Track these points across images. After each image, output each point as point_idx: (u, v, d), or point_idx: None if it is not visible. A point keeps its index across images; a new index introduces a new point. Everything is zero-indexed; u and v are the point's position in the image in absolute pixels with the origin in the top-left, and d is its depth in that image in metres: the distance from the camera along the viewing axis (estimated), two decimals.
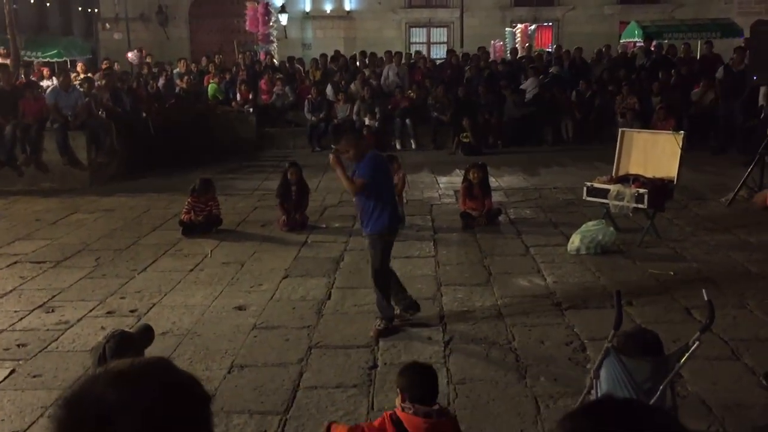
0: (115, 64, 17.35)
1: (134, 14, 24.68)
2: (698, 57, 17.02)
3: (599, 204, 8.15)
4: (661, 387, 3.14)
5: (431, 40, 26.48)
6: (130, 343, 3.15)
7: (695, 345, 3.18)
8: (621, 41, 21.19)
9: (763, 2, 22.90)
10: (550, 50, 20.98)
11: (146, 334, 3.40)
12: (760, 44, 9.48)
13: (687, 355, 3.16)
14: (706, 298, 3.34)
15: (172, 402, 1.13)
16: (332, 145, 5.51)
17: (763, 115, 10.00)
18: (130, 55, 20.01)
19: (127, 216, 9.55)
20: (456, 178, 11.53)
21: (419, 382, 3.23)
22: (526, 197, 10.21)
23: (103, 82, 13.14)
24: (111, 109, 12.74)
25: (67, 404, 1.13)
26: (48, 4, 31.67)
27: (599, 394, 3.26)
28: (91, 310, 6.01)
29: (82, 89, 12.41)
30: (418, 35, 26.70)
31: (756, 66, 9.76)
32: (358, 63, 17.83)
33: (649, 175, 7.78)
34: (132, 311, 5.97)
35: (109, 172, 12.13)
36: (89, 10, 35.20)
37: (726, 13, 22.89)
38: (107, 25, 25.93)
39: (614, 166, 8.26)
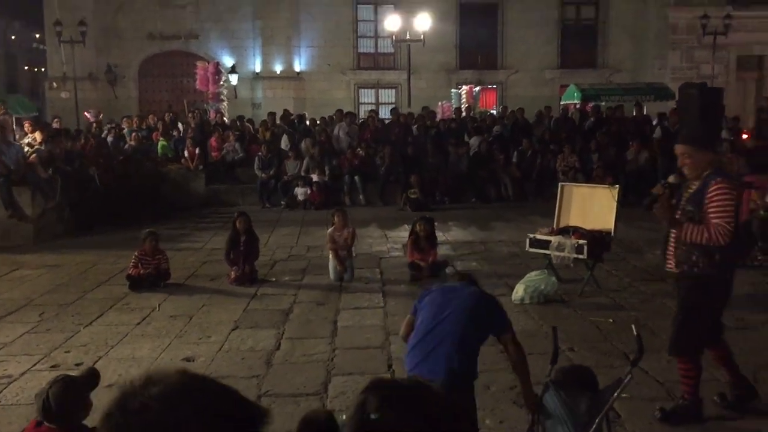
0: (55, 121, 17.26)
1: (82, 73, 24.66)
2: (632, 118, 17.88)
3: (542, 255, 8.44)
4: (597, 419, 3.30)
5: (380, 101, 27.12)
6: (74, 387, 3.19)
7: (628, 378, 3.37)
8: (561, 103, 22.09)
9: (694, 68, 24.33)
10: (494, 111, 21.76)
11: (91, 378, 3.40)
12: (686, 105, 10.09)
13: (621, 387, 3.35)
14: (635, 333, 3.55)
15: None
16: None
17: None
18: (87, 114, 19.98)
19: (73, 272, 9.43)
20: (404, 233, 11.73)
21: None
22: (473, 250, 10.47)
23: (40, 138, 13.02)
24: (58, 165, 12.65)
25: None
26: None
27: (542, 428, 3.40)
28: (35, 364, 5.92)
29: (28, 147, 12.32)
30: (367, 96, 27.33)
31: (684, 125, 10.36)
32: (308, 122, 18.15)
33: (588, 227, 8.12)
34: (77, 365, 5.89)
35: (55, 229, 11.97)
36: (35, 69, 35.10)
37: (660, 78, 24.20)
38: (54, 84, 25.82)
39: (555, 219, 8.60)
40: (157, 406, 1.11)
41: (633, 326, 3.70)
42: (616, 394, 3.34)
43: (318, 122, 17.95)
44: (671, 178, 4.87)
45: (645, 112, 18.61)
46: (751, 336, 6.30)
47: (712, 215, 4.31)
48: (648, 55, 26.21)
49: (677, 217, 4.53)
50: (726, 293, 4.67)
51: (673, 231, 4.62)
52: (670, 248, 4.69)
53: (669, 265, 4.77)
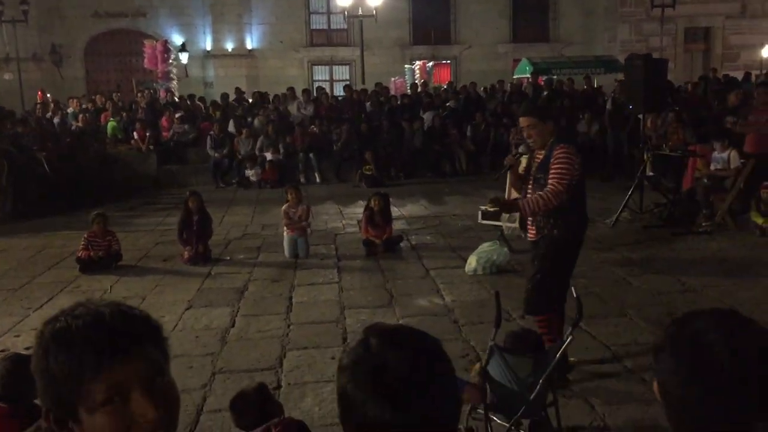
0: None
1: (26, 54, 23.96)
2: (582, 91, 18.13)
3: (493, 227, 8.55)
4: (541, 380, 3.40)
5: (334, 78, 26.97)
6: (24, 365, 3.13)
7: (569, 339, 3.47)
8: (514, 77, 22.28)
9: (642, 41, 24.74)
10: (446, 87, 21.82)
11: None
12: (633, 76, 10.28)
13: (563, 348, 3.45)
14: (574, 295, 3.65)
15: None
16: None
17: (642, 142, 10.79)
18: (40, 96, 19.43)
19: (21, 256, 9.23)
20: (359, 209, 11.75)
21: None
22: (427, 224, 10.55)
23: None
24: (4, 148, 12.32)
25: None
26: None
27: (488, 390, 3.49)
28: None
29: None
30: (321, 73, 27.15)
31: (631, 96, 10.56)
32: (261, 99, 17.97)
33: None
34: (27, 348, 5.79)
35: (1, 213, 11.68)
36: None
37: (609, 51, 24.58)
38: None
39: (506, 191, 8.70)
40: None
41: (572, 288, 3.80)
42: (559, 353, 3.44)
43: (271, 100, 17.75)
44: (521, 149, 5.06)
45: (595, 85, 18.86)
46: (692, 299, 6.53)
47: (549, 179, 4.50)
48: (598, 28, 26.56)
49: (529, 185, 4.73)
50: (575, 255, 4.89)
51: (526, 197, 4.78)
52: (529, 217, 4.82)
53: (530, 235, 4.94)
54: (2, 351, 5.78)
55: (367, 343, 1.28)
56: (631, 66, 10.32)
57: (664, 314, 6.11)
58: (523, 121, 4.75)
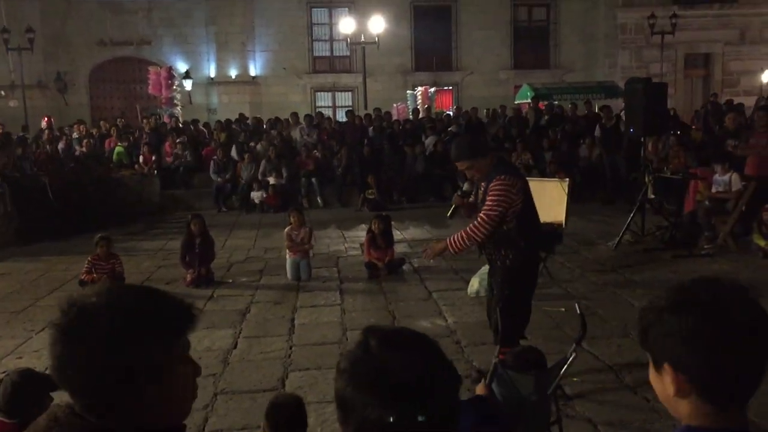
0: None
1: (31, 81, 24.17)
2: (583, 116, 18.24)
3: None
4: (544, 396, 3.39)
5: (336, 104, 27.15)
6: (32, 380, 3.13)
7: (572, 356, 3.46)
8: (515, 102, 22.43)
9: (643, 67, 24.90)
10: (449, 112, 21.97)
11: None
12: (632, 99, 10.35)
13: (566, 364, 3.44)
14: (578, 312, 3.65)
15: None
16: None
17: (643, 166, 10.83)
18: (43, 123, 19.60)
19: (24, 279, 9.25)
20: (362, 233, 11.77)
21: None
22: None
23: None
24: (6, 173, 12.40)
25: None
26: None
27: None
28: None
29: None
30: (324, 99, 27.34)
31: (630, 119, 10.62)
32: (265, 125, 18.09)
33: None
34: (46, 369, 5.80)
35: (5, 237, 11.72)
36: None
37: (610, 77, 24.78)
38: (2, 92, 25.24)
39: None
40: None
41: (576, 305, 3.81)
42: (562, 371, 3.43)
43: (267, 124, 17.86)
44: (465, 186, 5.20)
45: (596, 110, 18.95)
46: None
47: (485, 205, 4.57)
48: (599, 54, 26.78)
49: (479, 216, 4.71)
50: (534, 277, 5.01)
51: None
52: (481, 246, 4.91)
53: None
54: (3, 372, 5.78)
55: (366, 344, 1.28)
56: (631, 90, 10.40)
57: None
58: (459, 165, 4.85)
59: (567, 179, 8.72)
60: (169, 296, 1.42)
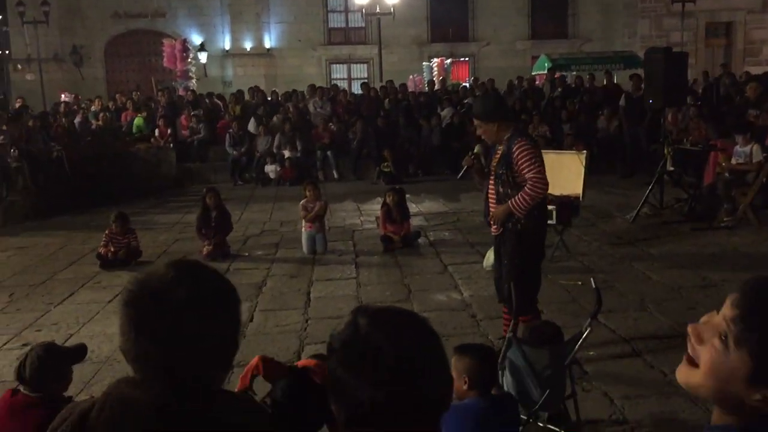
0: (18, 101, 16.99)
1: (47, 55, 24.22)
2: (602, 87, 17.99)
3: None
4: (559, 371, 3.37)
5: (352, 76, 26.99)
6: (54, 354, 3.16)
7: (587, 330, 3.44)
8: (532, 74, 22.16)
9: (663, 36, 24.48)
10: (466, 84, 21.76)
11: (78, 351, 3.37)
12: (653, 70, 10.16)
13: (582, 339, 3.41)
14: (593, 286, 3.62)
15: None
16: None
17: (662, 137, 10.67)
18: (63, 96, 19.67)
19: (42, 253, 9.34)
20: (377, 206, 11.74)
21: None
22: (445, 220, 10.53)
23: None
24: (24, 148, 12.46)
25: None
26: None
27: (505, 382, 3.47)
28: (5, 343, 5.89)
29: None
30: (339, 71, 27.18)
31: (651, 90, 10.44)
32: (280, 97, 18.01)
33: (556, 192, 8.15)
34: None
35: (23, 211, 11.82)
36: None
37: (629, 47, 24.39)
38: (19, 66, 25.35)
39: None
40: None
41: (592, 279, 3.77)
42: (577, 345, 3.41)
43: (288, 97, 17.79)
44: (477, 148, 5.37)
45: (615, 81, 18.71)
46: (713, 294, 6.44)
47: (525, 171, 4.61)
48: (618, 24, 26.34)
49: (491, 181, 4.87)
50: (542, 244, 5.03)
51: (491, 196, 4.90)
52: (491, 210, 4.93)
53: (492, 230, 5.02)
54: (24, 345, 5.85)
55: (355, 324, 1.27)
56: (650, 59, 10.20)
57: (684, 309, 6.05)
58: (474, 121, 5.07)
59: (585, 151, 8.60)
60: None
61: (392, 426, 1.22)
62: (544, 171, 4.64)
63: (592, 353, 5.03)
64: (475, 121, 4.89)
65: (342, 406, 1.25)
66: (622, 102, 14.93)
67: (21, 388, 3.16)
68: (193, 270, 1.42)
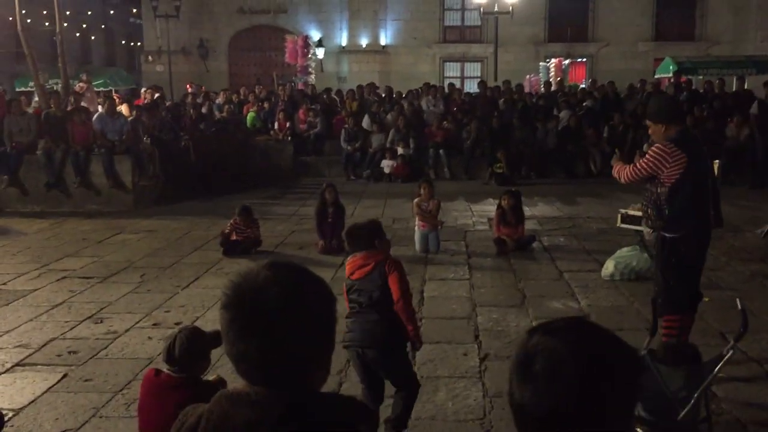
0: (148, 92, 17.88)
1: (176, 47, 25.49)
2: (732, 93, 17.05)
3: (633, 232, 8.19)
4: (695, 395, 3.23)
5: (465, 75, 26.85)
6: (200, 338, 3.32)
7: (729, 353, 3.27)
8: (655, 77, 21.30)
9: None
10: (583, 85, 21.18)
11: (217, 337, 3.53)
12: None
13: (722, 362, 3.26)
14: (739, 307, 3.44)
15: None
16: None
17: None
18: (189, 87, 20.66)
19: (170, 237, 9.85)
20: (489, 207, 11.67)
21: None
22: (560, 226, 10.31)
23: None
24: (155, 136, 13.18)
25: None
26: (93, 38, 32.92)
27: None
28: (137, 322, 6.25)
29: (129, 117, 12.91)
30: (452, 69, 27.10)
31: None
32: (394, 94, 18.16)
33: None
34: (177, 323, 6.16)
35: (152, 196, 12.52)
36: (132, 43, 36.47)
37: (762, 50, 22.95)
38: (150, 57, 26.81)
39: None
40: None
41: (738, 300, 3.59)
42: (717, 368, 3.26)
43: (404, 95, 17.90)
44: (645, 147, 5.58)
45: (746, 87, 17.67)
46: None
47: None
48: (750, 25, 24.87)
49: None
50: (701, 255, 4.96)
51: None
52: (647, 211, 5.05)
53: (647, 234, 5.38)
54: (155, 324, 6.20)
55: (530, 337, 1.28)
56: None
57: None
58: (646, 121, 5.23)
59: (717, 161, 8.17)
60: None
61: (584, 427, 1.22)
62: (639, 173, 4.81)
63: (722, 375, 4.78)
64: (647, 121, 5.07)
65: (512, 408, 1.27)
66: (754, 109, 14.12)
67: (165, 368, 3.34)
68: (287, 271, 1.42)
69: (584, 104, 16.68)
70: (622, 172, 5.01)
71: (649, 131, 5.08)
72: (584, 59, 26.40)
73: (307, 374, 1.40)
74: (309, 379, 1.40)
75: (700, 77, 18.97)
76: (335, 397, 1.45)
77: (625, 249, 7.59)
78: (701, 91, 16.81)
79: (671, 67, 19.58)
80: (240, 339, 1.36)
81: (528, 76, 22.07)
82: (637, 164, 4.84)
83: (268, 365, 1.36)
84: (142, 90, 18.43)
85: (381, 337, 3.87)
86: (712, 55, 23.23)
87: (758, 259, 8.14)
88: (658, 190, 4.77)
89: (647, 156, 4.79)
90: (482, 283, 7.42)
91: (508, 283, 7.41)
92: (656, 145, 4.80)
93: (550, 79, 21.31)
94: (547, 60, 24.04)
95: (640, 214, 8.02)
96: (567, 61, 23.46)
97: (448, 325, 6.10)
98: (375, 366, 3.96)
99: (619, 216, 8.24)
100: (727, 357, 3.28)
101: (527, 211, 10.63)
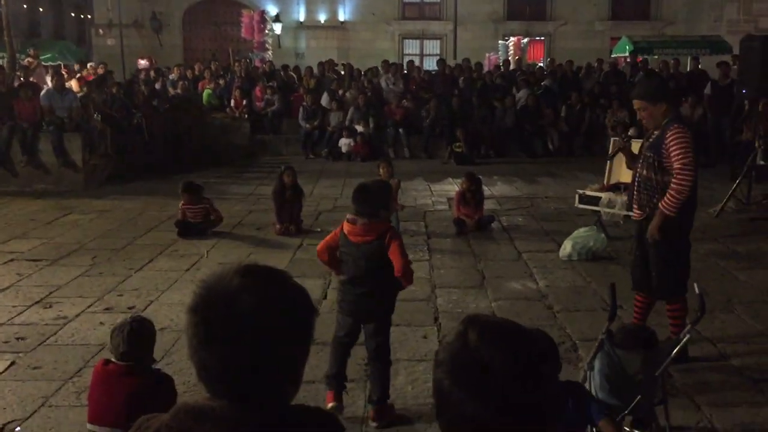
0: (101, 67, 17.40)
1: (128, 20, 24.75)
2: (687, 73, 17.29)
3: (591, 212, 8.28)
4: (653, 377, 3.25)
5: (424, 52, 26.70)
6: (149, 327, 3.30)
7: (686, 337, 3.29)
8: (612, 56, 21.47)
9: (751, 21, 23.31)
10: (541, 64, 21.26)
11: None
12: (748, 58, 9.69)
13: (679, 346, 3.28)
14: (697, 291, 3.46)
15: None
16: None
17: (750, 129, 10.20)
18: (141, 62, 20.11)
19: (122, 217, 9.60)
20: (449, 186, 11.68)
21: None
22: (519, 205, 10.35)
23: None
24: (106, 112, 12.81)
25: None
26: (41, 10, 31.77)
27: (593, 385, 3.36)
28: (88, 306, 6.07)
29: (79, 93, 12.50)
30: (412, 47, 26.90)
31: (745, 80, 9.97)
32: (354, 72, 17.96)
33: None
34: (130, 308, 6.03)
35: (104, 175, 12.18)
36: (82, 15, 35.32)
37: (715, 31, 23.27)
38: (101, 30, 26.00)
39: (605, 175, 8.42)
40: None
41: (695, 285, 3.62)
42: (674, 351, 3.27)
43: (363, 73, 17.72)
44: (631, 131, 5.43)
45: (700, 67, 17.93)
46: None
47: (675, 158, 4.50)
48: (703, 6, 25.17)
49: (639, 163, 4.80)
50: (688, 231, 4.90)
51: (636, 177, 4.83)
52: (635, 194, 4.85)
53: (635, 215, 4.93)
54: (106, 309, 6.03)
55: (465, 337, 1.22)
56: (746, 48, 9.73)
57: None
58: (635, 103, 4.84)
59: None
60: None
61: None
62: (694, 161, 4.52)
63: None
64: (639, 103, 4.72)
65: (444, 417, 1.23)
66: (707, 90, 14.34)
67: (112, 358, 3.26)
68: (264, 278, 1.32)
69: (542, 83, 16.74)
70: (676, 191, 4.49)
71: (643, 113, 4.72)
72: (542, 38, 26.47)
73: (278, 388, 1.31)
74: (279, 393, 1.31)
75: (656, 57, 19.16)
76: (306, 410, 1.36)
77: (582, 229, 7.65)
78: (657, 70, 16.95)
79: (627, 47, 19.74)
80: (203, 347, 1.26)
81: (488, 55, 22.05)
82: (684, 161, 4.44)
83: (231, 378, 1.26)
84: (88, 65, 17.87)
85: (378, 309, 4.21)
86: (667, 34, 23.49)
87: (711, 239, 8.28)
88: (664, 179, 4.57)
89: (681, 145, 4.46)
90: (442, 264, 7.41)
91: (468, 264, 7.41)
92: (676, 129, 4.52)
93: (509, 58, 21.32)
94: (506, 38, 24.03)
95: (598, 194, 8.14)
96: (526, 40, 23.48)
97: (407, 308, 6.05)
98: (368, 334, 4.24)
99: (577, 196, 8.32)
100: (684, 340, 3.31)
101: (486, 190, 10.64)
